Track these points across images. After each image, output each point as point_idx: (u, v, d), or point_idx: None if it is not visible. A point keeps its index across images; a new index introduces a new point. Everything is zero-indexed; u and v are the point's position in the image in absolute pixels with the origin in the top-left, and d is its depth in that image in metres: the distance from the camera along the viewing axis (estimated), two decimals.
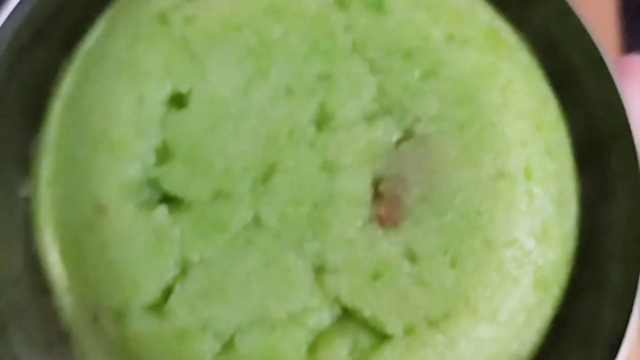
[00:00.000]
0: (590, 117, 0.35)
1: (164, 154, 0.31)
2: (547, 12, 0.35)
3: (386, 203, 0.31)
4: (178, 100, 0.32)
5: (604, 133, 0.34)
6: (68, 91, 0.34)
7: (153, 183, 0.31)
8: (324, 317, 0.31)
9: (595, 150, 0.35)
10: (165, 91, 0.32)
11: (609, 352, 0.32)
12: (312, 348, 0.30)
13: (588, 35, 0.34)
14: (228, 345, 0.30)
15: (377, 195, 0.31)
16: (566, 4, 0.34)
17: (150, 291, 0.31)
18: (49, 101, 0.35)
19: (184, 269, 0.31)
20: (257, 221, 0.31)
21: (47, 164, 0.34)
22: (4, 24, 0.33)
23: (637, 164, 0.33)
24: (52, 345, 0.35)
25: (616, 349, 0.32)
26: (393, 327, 0.30)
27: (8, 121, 0.35)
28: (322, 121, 0.31)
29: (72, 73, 0.34)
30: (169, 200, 0.31)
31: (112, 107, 0.32)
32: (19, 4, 0.33)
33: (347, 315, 0.31)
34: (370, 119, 0.31)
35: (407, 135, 0.31)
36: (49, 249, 0.34)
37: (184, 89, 0.32)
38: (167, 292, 0.31)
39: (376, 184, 0.31)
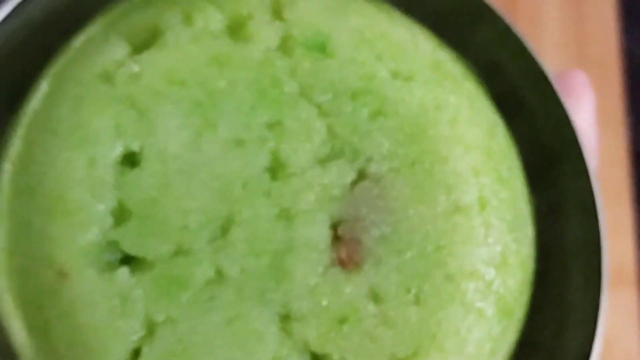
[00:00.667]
0: (538, 136, 0.35)
1: (121, 215, 0.31)
2: (488, 33, 0.35)
3: (346, 246, 0.31)
4: (130, 159, 0.31)
5: (553, 151, 0.35)
6: (17, 155, 0.34)
7: (112, 245, 0.31)
8: None
9: (546, 168, 0.35)
10: (116, 151, 0.31)
11: None
12: None
13: (529, 54, 0.34)
14: None
15: (336, 238, 0.31)
16: (506, 24, 0.34)
17: (118, 355, 0.31)
18: None
19: (150, 330, 0.31)
20: (219, 275, 0.31)
21: (1, 232, 0.33)
22: None
23: (589, 178, 0.33)
24: None
25: None
26: None
27: None
28: (276, 169, 0.31)
29: (20, 136, 0.34)
30: (130, 260, 0.31)
31: (64, 172, 0.32)
32: None
33: None
34: (323, 162, 0.31)
35: (361, 176, 0.32)
36: (11, 316, 0.33)
37: (135, 148, 0.31)
38: (136, 354, 0.31)
39: (335, 227, 0.31)
